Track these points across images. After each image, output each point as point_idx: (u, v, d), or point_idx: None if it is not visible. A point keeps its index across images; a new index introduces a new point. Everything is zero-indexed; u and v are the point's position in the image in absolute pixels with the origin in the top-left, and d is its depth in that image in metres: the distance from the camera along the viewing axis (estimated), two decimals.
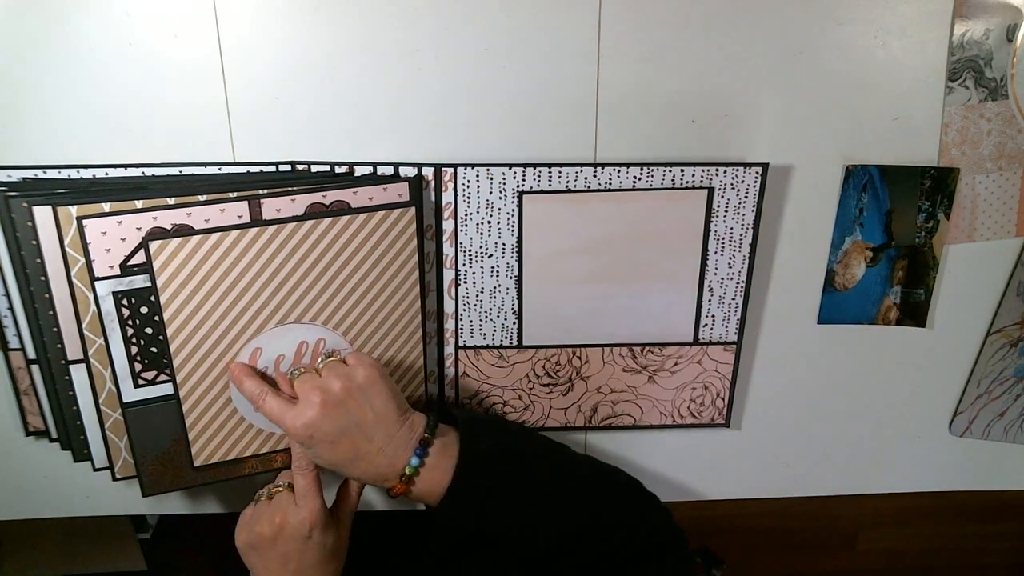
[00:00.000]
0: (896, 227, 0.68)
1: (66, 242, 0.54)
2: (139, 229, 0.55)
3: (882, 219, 0.68)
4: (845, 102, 0.64)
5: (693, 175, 0.63)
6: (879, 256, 0.69)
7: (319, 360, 0.59)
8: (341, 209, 0.59)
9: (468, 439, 0.58)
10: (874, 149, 0.65)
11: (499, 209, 0.64)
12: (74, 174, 0.60)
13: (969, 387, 0.75)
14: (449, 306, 0.67)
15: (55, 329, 0.58)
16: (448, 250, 0.65)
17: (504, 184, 0.63)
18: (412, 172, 0.62)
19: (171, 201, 0.56)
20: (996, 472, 0.80)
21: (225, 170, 0.61)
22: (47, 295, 0.56)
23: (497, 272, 0.66)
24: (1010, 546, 1.73)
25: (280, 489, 0.59)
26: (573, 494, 0.60)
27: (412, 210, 0.60)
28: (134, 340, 0.57)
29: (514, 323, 0.68)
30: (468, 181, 0.63)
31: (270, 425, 0.62)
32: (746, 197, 0.65)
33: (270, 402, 0.56)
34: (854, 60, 0.62)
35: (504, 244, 0.65)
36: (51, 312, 0.57)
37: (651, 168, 0.63)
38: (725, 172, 0.64)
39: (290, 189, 0.57)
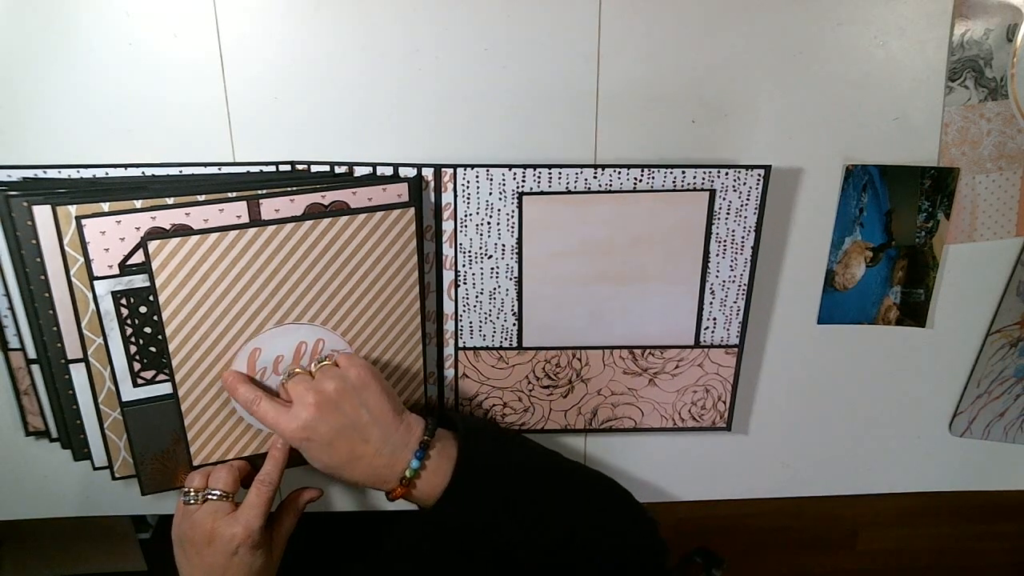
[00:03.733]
0: (896, 227, 0.68)
1: (65, 241, 0.54)
2: (138, 229, 0.55)
3: (882, 219, 0.68)
4: (845, 102, 0.64)
5: (695, 177, 0.63)
6: (879, 256, 0.69)
7: (312, 364, 0.58)
8: (340, 209, 0.59)
9: (467, 442, 0.59)
10: (874, 149, 0.65)
11: (499, 210, 0.64)
12: (74, 174, 0.60)
13: (969, 387, 0.75)
14: (449, 307, 0.67)
15: (55, 328, 0.58)
16: (448, 251, 0.65)
17: (504, 185, 0.63)
18: (412, 172, 0.62)
19: (170, 201, 0.56)
20: (996, 472, 0.80)
21: (225, 170, 0.61)
22: (47, 294, 0.56)
23: (497, 273, 0.66)
24: (1010, 546, 1.73)
25: (212, 498, 0.58)
26: (565, 501, 0.61)
27: (411, 211, 0.60)
28: (133, 339, 0.57)
29: (514, 324, 0.68)
30: (468, 182, 0.62)
31: None
32: (748, 199, 0.64)
33: (264, 406, 0.56)
34: (854, 60, 0.62)
35: (504, 245, 0.65)
36: (51, 312, 0.57)
37: (652, 170, 0.63)
38: (727, 174, 0.63)
39: (289, 189, 0.57)
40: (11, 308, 0.61)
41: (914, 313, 0.71)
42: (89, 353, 0.57)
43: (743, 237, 0.66)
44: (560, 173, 0.62)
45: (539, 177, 0.63)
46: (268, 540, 0.58)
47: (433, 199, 0.63)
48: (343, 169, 0.61)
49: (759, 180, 0.64)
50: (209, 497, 0.58)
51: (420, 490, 0.56)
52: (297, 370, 0.58)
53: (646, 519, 0.64)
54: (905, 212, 0.67)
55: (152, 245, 0.54)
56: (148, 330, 0.57)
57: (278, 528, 0.60)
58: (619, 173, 0.63)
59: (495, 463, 0.59)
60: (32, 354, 0.62)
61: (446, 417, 0.63)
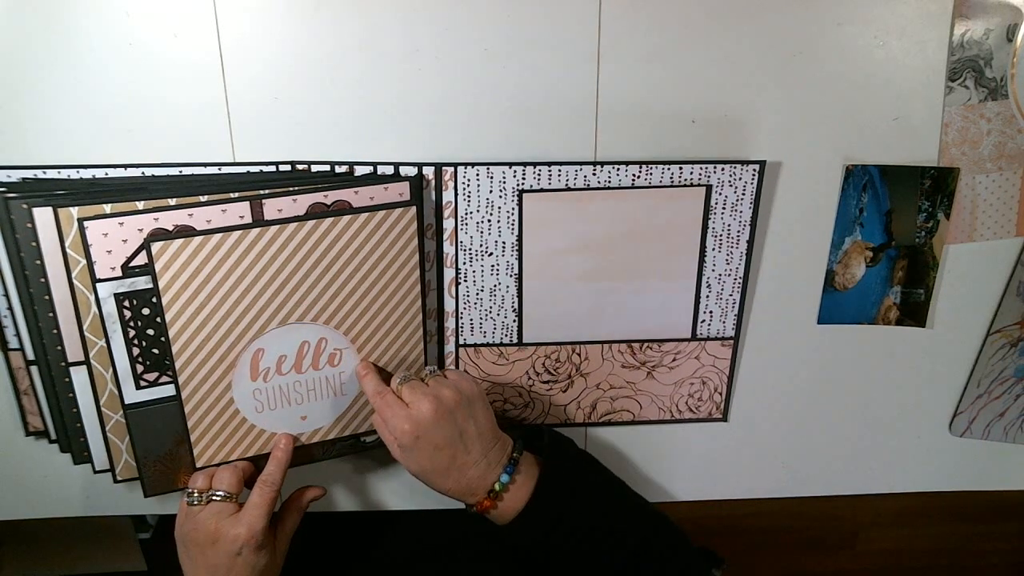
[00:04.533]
0: (896, 227, 0.68)
1: (67, 244, 0.54)
2: (140, 230, 0.55)
3: (882, 219, 0.68)
4: (845, 102, 0.64)
5: (691, 172, 0.64)
6: (879, 256, 0.69)
7: (425, 372, 0.60)
8: (342, 209, 0.59)
9: (550, 463, 0.60)
10: (874, 149, 0.65)
11: (499, 208, 0.64)
12: (74, 174, 0.60)
13: (969, 387, 0.75)
14: (449, 304, 0.67)
15: (55, 331, 0.57)
16: (448, 249, 0.65)
17: (504, 183, 0.63)
18: (413, 171, 0.62)
19: (172, 202, 0.56)
20: (996, 472, 0.80)
21: (225, 170, 0.61)
22: (47, 297, 0.56)
23: (497, 270, 0.66)
24: (1010, 546, 1.73)
25: (216, 499, 0.58)
26: (628, 530, 0.62)
27: (413, 209, 0.60)
28: (136, 342, 0.57)
29: (514, 321, 0.68)
30: (468, 180, 0.63)
31: (272, 426, 0.62)
32: (744, 194, 0.65)
33: (389, 399, 0.58)
34: (854, 60, 0.62)
35: (504, 242, 0.65)
36: (51, 314, 0.57)
37: (650, 166, 0.63)
38: (723, 169, 0.64)
39: (291, 189, 0.57)
40: (10, 309, 0.61)
41: (914, 313, 0.72)
42: (91, 356, 0.57)
43: (739, 231, 0.66)
44: (560, 170, 0.63)
45: (539, 174, 0.63)
46: (271, 540, 0.58)
47: (434, 197, 0.63)
48: (343, 169, 0.62)
49: (754, 175, 0.64)
50: (213, 498, 0.58)
51: (504, 504, 0.58)
52: (410, 376, 0.59)
53: (699, 565, 0.65)
54: (905, 212, 0.67)
55: (155, 246, 0.54)
56: (151, 332, 0.57)
57: (281, 528, 0.61)
58: (617, 170, 0.63)
59: (573, 487, 0.61)
60: (32, 357, 0.61)
61: (528, 431, 0.65)
